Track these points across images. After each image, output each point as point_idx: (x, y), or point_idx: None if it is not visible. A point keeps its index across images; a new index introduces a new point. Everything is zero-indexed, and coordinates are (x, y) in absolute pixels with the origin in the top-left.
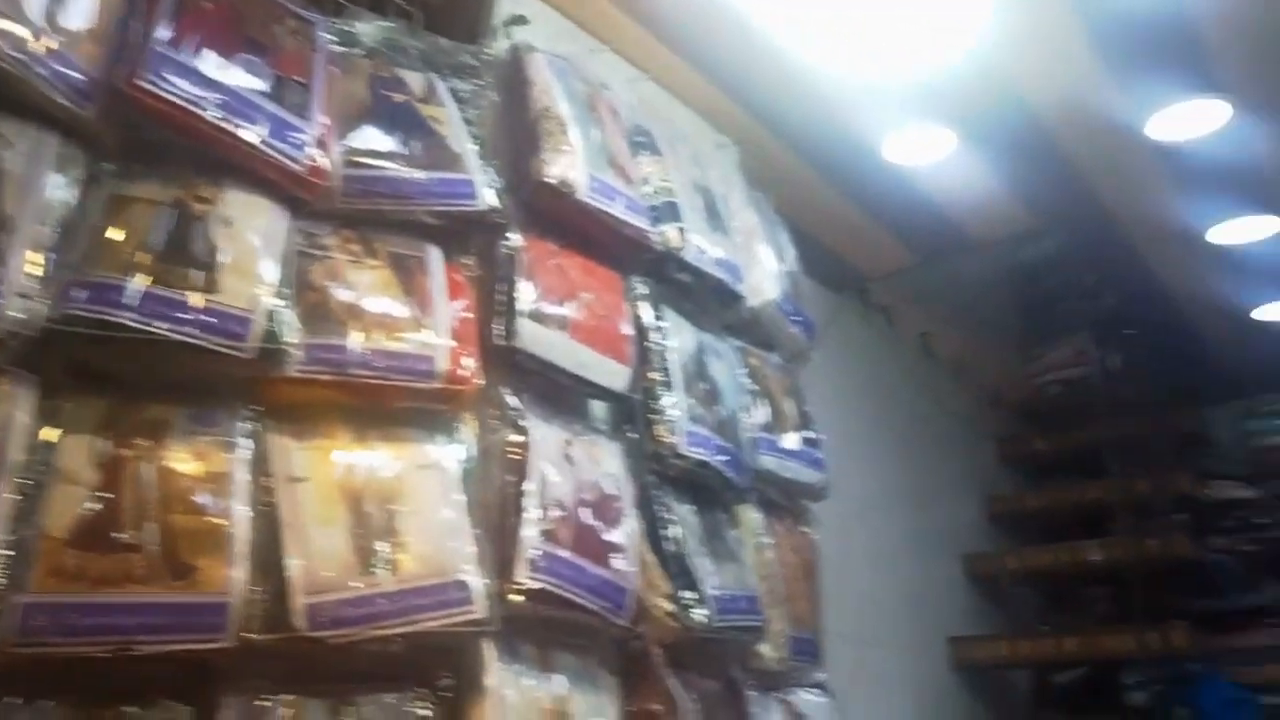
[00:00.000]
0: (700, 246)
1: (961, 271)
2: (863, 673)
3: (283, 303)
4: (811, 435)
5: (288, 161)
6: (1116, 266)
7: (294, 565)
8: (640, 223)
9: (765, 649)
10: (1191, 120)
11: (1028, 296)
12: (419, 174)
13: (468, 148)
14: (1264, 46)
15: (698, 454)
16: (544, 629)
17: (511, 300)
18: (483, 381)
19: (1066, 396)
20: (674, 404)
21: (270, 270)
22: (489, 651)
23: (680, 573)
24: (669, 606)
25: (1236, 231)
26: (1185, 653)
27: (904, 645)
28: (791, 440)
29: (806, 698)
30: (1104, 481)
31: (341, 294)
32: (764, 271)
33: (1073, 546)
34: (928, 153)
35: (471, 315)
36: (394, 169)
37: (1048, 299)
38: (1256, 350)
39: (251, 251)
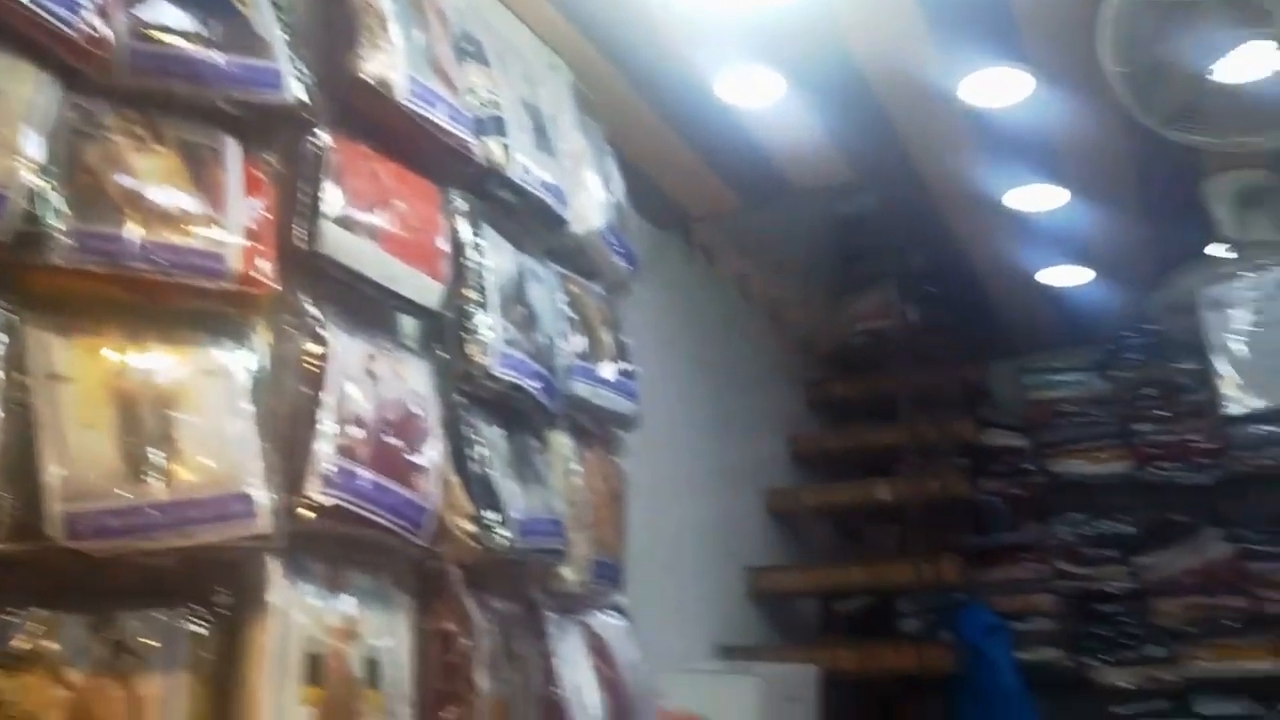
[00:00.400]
0: (526, 165)
1: (782, 218)
2: (663, 598)
3: (48, 183)
4: (627, 366)
5: (60, 25)
6: (923, 225)
7: (50, 470)
8: (462, 133)
9: (567, 572)
10: (999, 87)
11: (842, 248)
12: (218, 57)
13: (276, 34)
14: (1066, 23)
15: (510, 377)
16: (336, 546)
17: (316, 202)
18: (279, 287)
19: (870, 346)
20: (489, 325)
21: (33, 145)
22: (273, 568)
23: (484, 494)
24: (471, 527)
25: (1029, 199)
26: (954, 584)
27: (704, 573)
28: (607, 370)
29: (606, 620)
30: (896, 426)
31: (120, 180)
32: (590, 199)
33: (865, 485)
34: (758, 96)
35: (270, 216)
36: (189, 48)
37: (860, 252)
38: (1037, 311)
39: (11, 121)
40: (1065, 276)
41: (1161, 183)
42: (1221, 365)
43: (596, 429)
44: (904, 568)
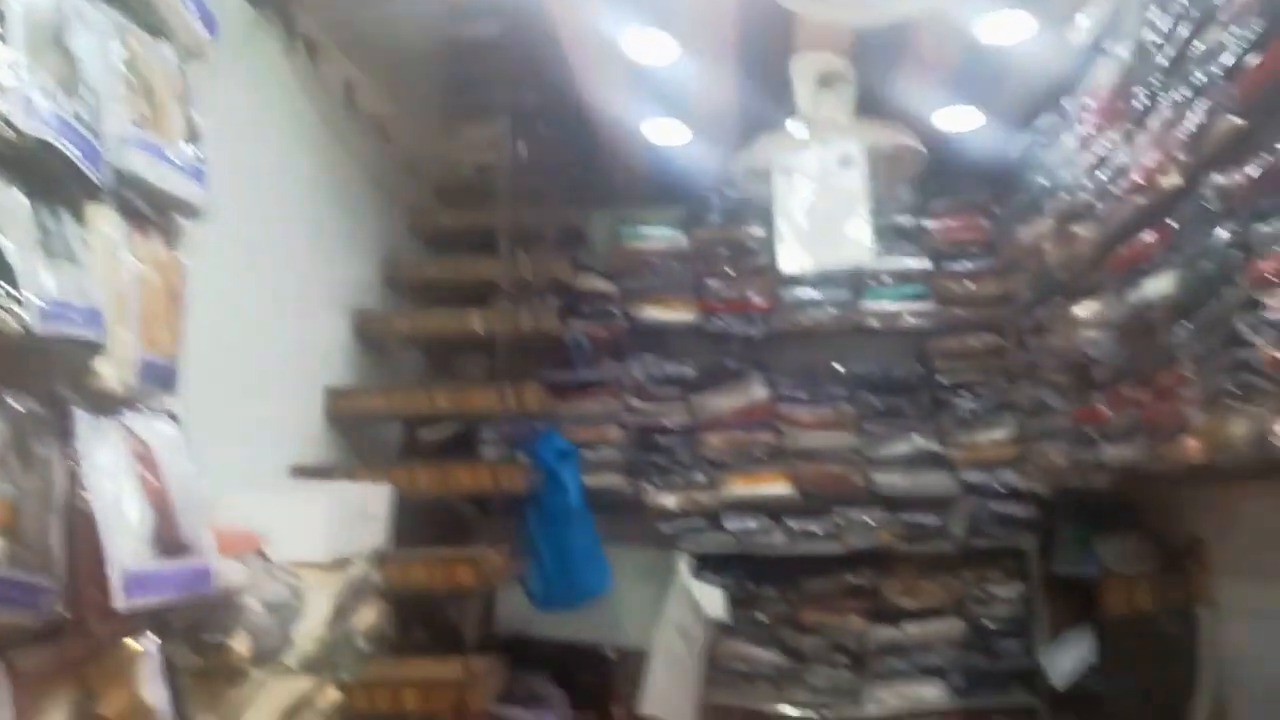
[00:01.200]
0: None
1: (398, 32)
2: (235, 415)
3: None
4: (197, 148)
5: None
6: (542, 62)
7: None
8: None
9: (106, 369)
10: None
11: (459, 74)
12: None
13: None
14: None
15: (37, 131)
16: None
17: None
18: None
19: (477, 178)
20: (8, 64)
21: None
22: None
23: None
24: None
25: (644, 50)
26: (535, 413)
27: (282, 392)
28: (171, 147)
29: (154, 427)
30: (494, 260)
31: None
32: None
33: (458, 315)
34: None
35: None
36: None
37: (476, 81)
38: (638, 164)
39: None
40: (667, 133)
41: (759, 52)
42: (783, 227)
43: (154, 214)
44: (488, 395)
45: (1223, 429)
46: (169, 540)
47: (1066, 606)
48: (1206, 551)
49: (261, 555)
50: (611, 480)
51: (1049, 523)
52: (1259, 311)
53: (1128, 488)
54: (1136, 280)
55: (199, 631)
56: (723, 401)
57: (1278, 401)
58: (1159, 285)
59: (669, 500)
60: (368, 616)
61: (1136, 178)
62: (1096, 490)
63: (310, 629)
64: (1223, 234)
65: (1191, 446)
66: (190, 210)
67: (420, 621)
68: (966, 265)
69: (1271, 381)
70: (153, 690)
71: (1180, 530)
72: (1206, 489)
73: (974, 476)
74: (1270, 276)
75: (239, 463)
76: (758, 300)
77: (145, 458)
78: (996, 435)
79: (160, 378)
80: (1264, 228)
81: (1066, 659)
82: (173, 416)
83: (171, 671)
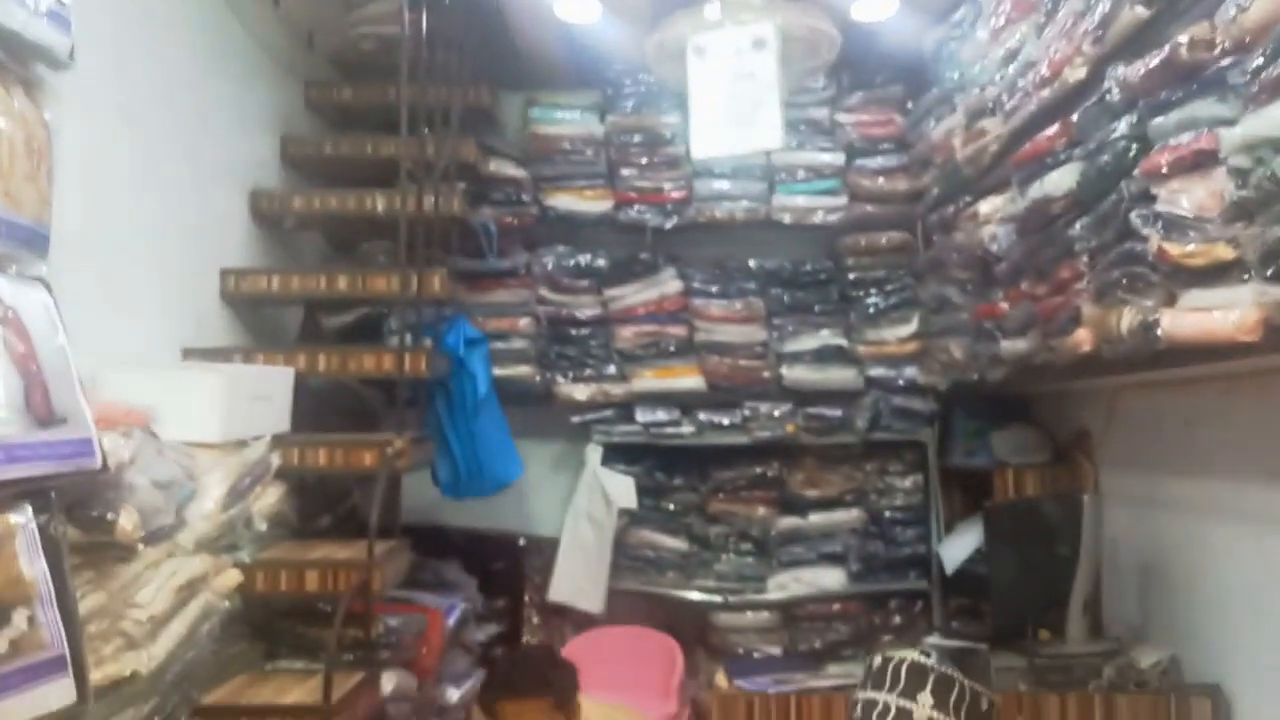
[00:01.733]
0: None
1: None
2: (122, 292)
3: None
4: None
5: None
6: None
7: None
8: None
9: None
10: None
11: None
12: None
13: None
14: None
15: None
16: None
17: None
18: None
19: (379, 52)
20: None
21: None
22: None
23: None
24: None
25: None
26: (441, 299)
27: (173, 271)
28: None
29: (21, 292)
30: (398, 139)
31: None
32: None
33: (359, 194)
34: None
35: None
36: None
37: None
38: (551, 46)
39: None
40: (578, 9)
41: None
42: (696, 111)
43: (12, 62)
44: (392, 279)
45: (1111, 320)
46: (41, 411)
47: (962, 497)
48: (1093, 443)
49: (149, 433)
50: (522, 371)
51: (947, 417)
52: (1152, 205)
53: (1022, 382)
54: (1039, 175)
55: (83, 507)
56: (635, 294)
57: (1164, 293)
58: (1060, 180)
59: (580, 392)
60: (267, 499)
61: (1044, 71)
62: (992, 385)
63: (205, 509)
64: (1122, 127)
65: (1082, 338)
66: (53, 59)
67: (324, 509)
68: (879, 161)
69: (1159, 273)
70: (29, 563)
71: (1070, 423)
72: (1095, 383)
73: (878, 371)
74: (1164, 169)
75: (126, 341)
76: (672, 191)
77: (12, 323)
78: (901, 331)
79: (25, 239)
80: (1161, 120)
81: (959, 546)
82: (44, 284)
83: (52, 546)
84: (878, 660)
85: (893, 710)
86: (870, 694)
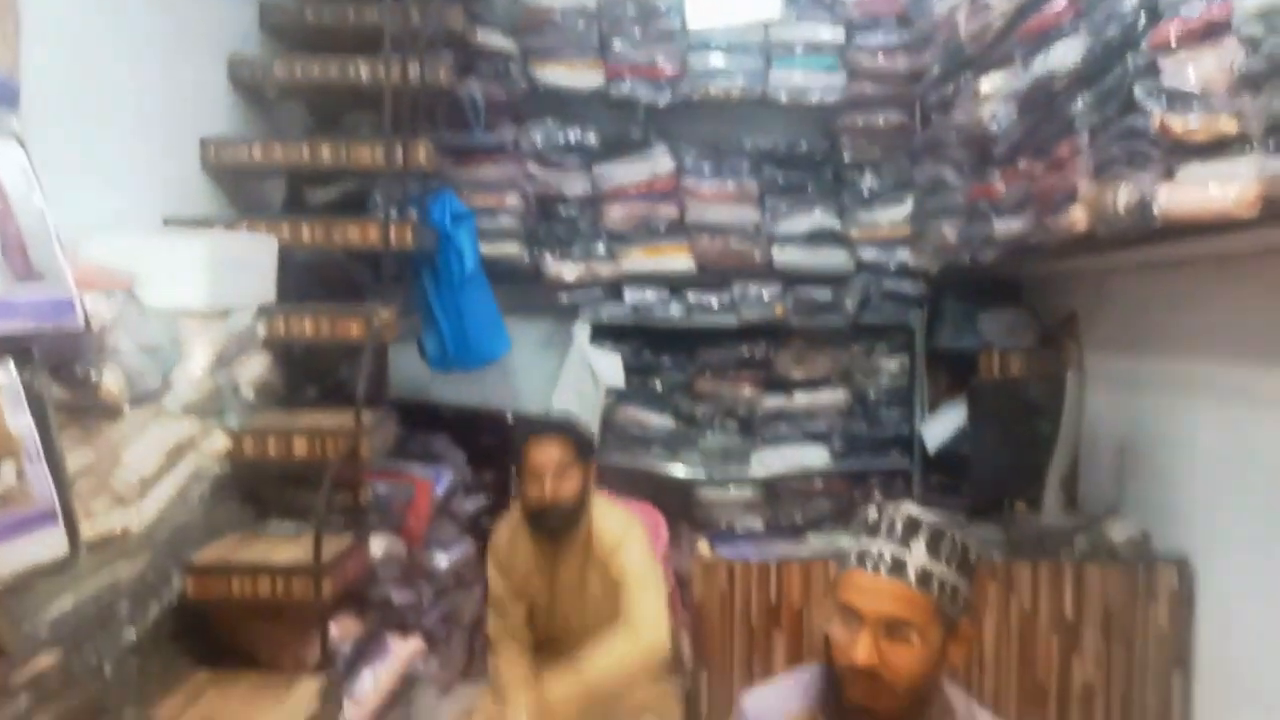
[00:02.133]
0: None
1: None
2: (101, 161)
3: None
4: None
5: None
6: None
7: None
8: None
9: None
10: None
11: None
12: None
13: None
14: None
15: None
16: None
17: None
18: None
19: None
20: None
21: None
22: None
23: None
24: None
25: None
26: (427, 172)
27: (152, 140)
28: None
29: None
30: (382, 4)
31: None
32: None
33: (342, 61)
34: None
35: None
36: None
37: None
38: None
39: None
40: None
41: None
42: None
43: None
44: (377, 149)
45: (1107, 198)
46: (19, 266)
47: (948, 380)
48: (1080, 324)
49: (132, 296)
50: (510, 249)
51: (936, 300)
52: (1158, 79)
53: (1012, 264)
54: (1043, 50)
55: (67, 367)
56: (626, 172)
57: (1162, 168)
58: (1064, 54)
59: (568, 271)
60: (253, 368)
61: None
62: (983, 267)
63: (190, 374)
64: None
65: (1077, 217)
66: None
67: (312, 380)
68: (880, 38)
69: (1159, 148)
70: (13, 418)
71: (1058, 306)
72: (1085, 266)
73: (869, 254)
74: (1173, 41)
75: (104, 209)
76: (665, 66)
77: None
78: (895, 215)
79: None
80: None
81: (941, 426)
82: (18, 140)
83: (37, 403)
84: (873, 511)
85: (887, 557)
86: (865, 543)
